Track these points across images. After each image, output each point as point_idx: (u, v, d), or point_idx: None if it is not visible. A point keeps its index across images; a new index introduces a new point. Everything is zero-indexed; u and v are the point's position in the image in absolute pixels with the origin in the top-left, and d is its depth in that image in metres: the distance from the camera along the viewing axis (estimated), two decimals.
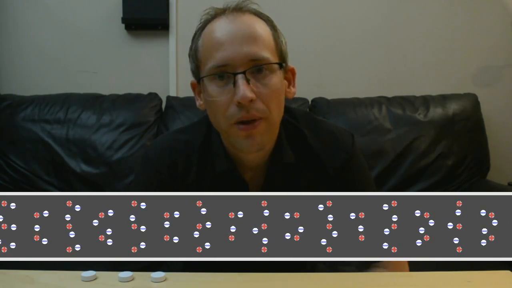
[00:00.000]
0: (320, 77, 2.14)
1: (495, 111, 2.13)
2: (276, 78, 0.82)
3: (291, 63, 0.90)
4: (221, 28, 0.81)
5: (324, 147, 0.91)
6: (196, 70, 0.85)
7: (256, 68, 0.79)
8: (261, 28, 0.82)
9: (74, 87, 2.07)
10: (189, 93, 2.04)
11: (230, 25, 0.81)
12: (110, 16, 2.13)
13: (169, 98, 2.03)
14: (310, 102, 2.01)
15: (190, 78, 0.89)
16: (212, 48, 0.80)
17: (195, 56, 0.85)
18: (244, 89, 0.77)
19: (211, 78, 0.81)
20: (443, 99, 1.98)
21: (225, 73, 0.79)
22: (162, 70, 2.15)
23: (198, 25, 0.86)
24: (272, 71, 0.81)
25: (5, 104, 1.97)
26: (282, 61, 0.84)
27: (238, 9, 0.83)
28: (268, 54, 0.80)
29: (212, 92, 0.81)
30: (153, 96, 2.02)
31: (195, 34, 0.86)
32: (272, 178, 0.89)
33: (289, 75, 0.88)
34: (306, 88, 2.01)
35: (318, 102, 2.00)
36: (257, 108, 0.79)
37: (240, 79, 0.78)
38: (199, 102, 0.89)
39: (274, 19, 0.88)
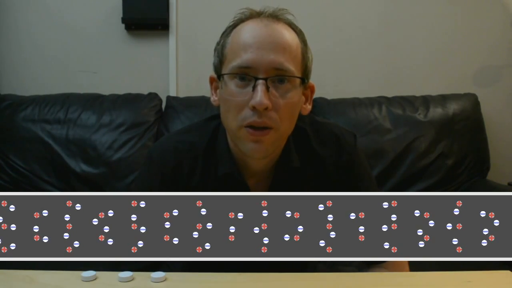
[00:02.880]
0: (320, 77, 2.13)
1: (495, 111, 2.13)
2: (295, 93, 0.81)
3: None
4: (252, 30, 0.81)
5: (327, 150, 0.91)
6: (219, 65, 0.85)
7: (278, 78, 0.79)
8: (292, 40, 0.82)
9: (74, 87, 2.07)
10: (189, 93, 2.07)
11: (262, 29, 0.80)
12: (110, 16, 2.13)
13: (169, 98, 2.03)
14: None
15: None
16: (240, 48, 0.80)
17: (221, 51, 0.84)
18: (262, 95, 0.76)
19: (232, 77, 0.80)
20: (443, 99, 1.98)
21: (247, 76, 0.79)
22: (162, 70, 2.15)
23: (230, 22, 0.86)
24: (293, 85, 0.81)
25: (5, 104, 1.97)
26: (305, 77, 0.84)
27: (274, 16, 0.83)
28: (293, 67, 0.80)
29: (231, 91, 0.80)
30: (153, 96, 2.02)
31: (225, 30, 0.86)
32: (278, 184, 0.88)
33: (308, 92, 0.88)
34: None
35: (318, 102, 2.00)
36: (270, 117, 0.78)
37: (260, 85, 0.77)
38: (213, 98, 0.89)
39: None
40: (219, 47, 0.85)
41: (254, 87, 0.77)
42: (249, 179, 0.89)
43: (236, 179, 0.87)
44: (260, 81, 0.77)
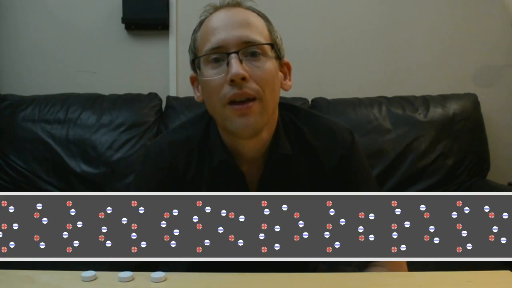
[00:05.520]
0: (320, 77, 2.14)
1: (495, 111, 2.13)
2: (270, 64, 0.84)
3: (292, 63, 0.92)
4: (217, 18, 0.86)
5: (321, 143, 0.92)
6: (194, 59, 0.88)
7: (249, 50, 0.82)
8: (255, 18, 0.86)
9: (74, 87, 2.07)
10: (189, 93, 2.05)
11: (226, 14, 0.86)
12: (110, 16, 2.13)
13: (169, 98, 2.03)
14: (310, 102, 2.01)
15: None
16: (208, 34, 0.85)
17: (193, 46, 0.89)
18: (236, 66, 0.80)
19: (206, 62, 0.84)
20: (443, 99, 1.98)
21: (219, 54, 0.82)
22: (162, 70, 2.15)
23: (197, 21, 0.90)
24: (266, 56, 0.84)
25: (5, 104, 1.97)
26: (276, 49, 0.87)
27: (235, 4, 0.87)
28: (261, 39, 0.84)
29: (208, 74, 0.84)
30: (153, 96, 2.02)
31: (194, 28, 0.90)
32: (270, 170, 0.90)
33: (285, 69, 0.91)
34: (306, 88, 2.01)
35: (318, 102, 2.00)
36: (250, 87, 0.81)
37: (233, 58, 0.81)
38: (197, 95, 0.92)
39: (274, 19, 0.91)
40: (191, 43, 0.90)
41: (228, 63, 0.81)
42: (242, 165, 0.90)
43: (230, 167, 0.89)
44: (232, 55, 0.81)
